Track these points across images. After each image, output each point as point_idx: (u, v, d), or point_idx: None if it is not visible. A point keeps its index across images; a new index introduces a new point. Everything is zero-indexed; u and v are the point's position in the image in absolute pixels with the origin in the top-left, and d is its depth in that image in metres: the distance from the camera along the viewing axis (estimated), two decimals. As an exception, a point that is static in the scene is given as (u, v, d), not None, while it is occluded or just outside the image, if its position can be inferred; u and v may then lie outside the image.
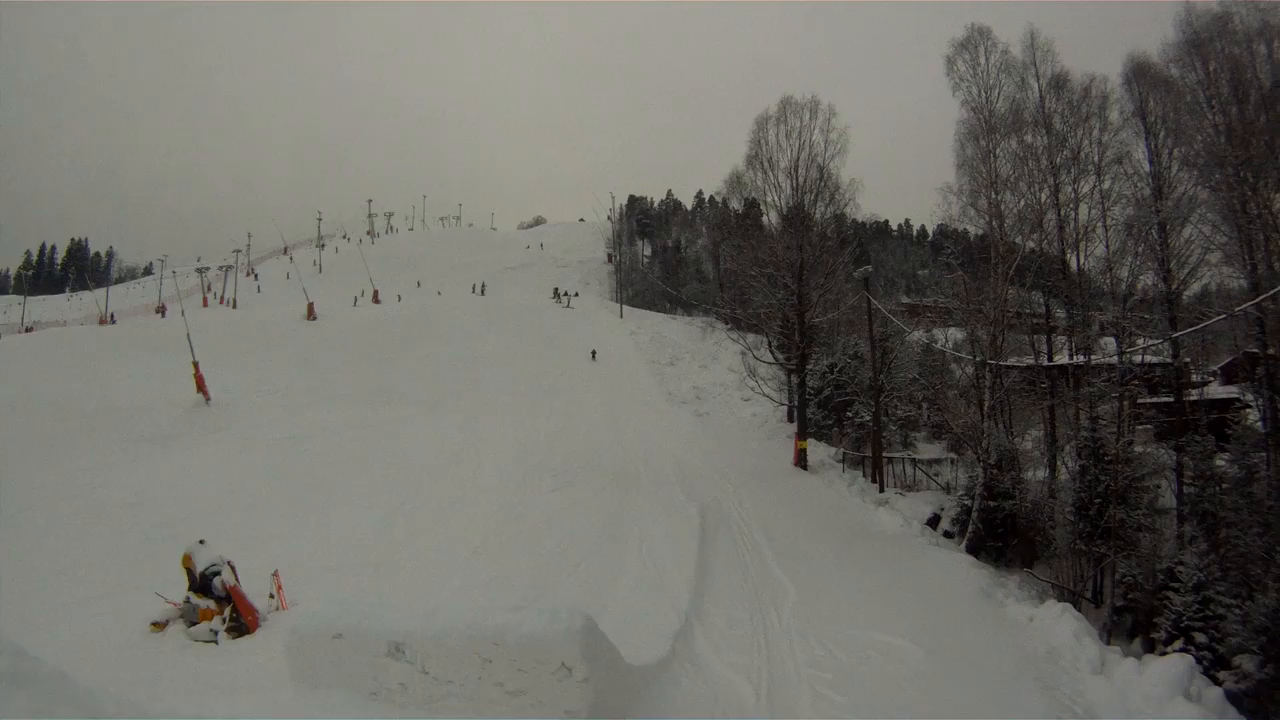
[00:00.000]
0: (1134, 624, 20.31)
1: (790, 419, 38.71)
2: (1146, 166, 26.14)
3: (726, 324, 52.04)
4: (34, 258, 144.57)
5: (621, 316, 68.04)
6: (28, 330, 73.98)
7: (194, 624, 16.26)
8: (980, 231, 30.15)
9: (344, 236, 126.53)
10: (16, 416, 31.47)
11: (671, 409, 43.82)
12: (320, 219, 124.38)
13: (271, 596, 17.50)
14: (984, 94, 28.87)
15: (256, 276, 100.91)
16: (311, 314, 58.96)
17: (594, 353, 48.70)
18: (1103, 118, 27.38)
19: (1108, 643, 18.25)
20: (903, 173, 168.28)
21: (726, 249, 52.37)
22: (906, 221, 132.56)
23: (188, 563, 16.88)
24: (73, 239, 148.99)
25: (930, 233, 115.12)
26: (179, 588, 16.81)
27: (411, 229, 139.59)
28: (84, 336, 54.75)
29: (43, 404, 32.74)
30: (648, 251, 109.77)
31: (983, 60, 29.10)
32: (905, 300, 59.05)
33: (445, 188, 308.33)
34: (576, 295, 75.45)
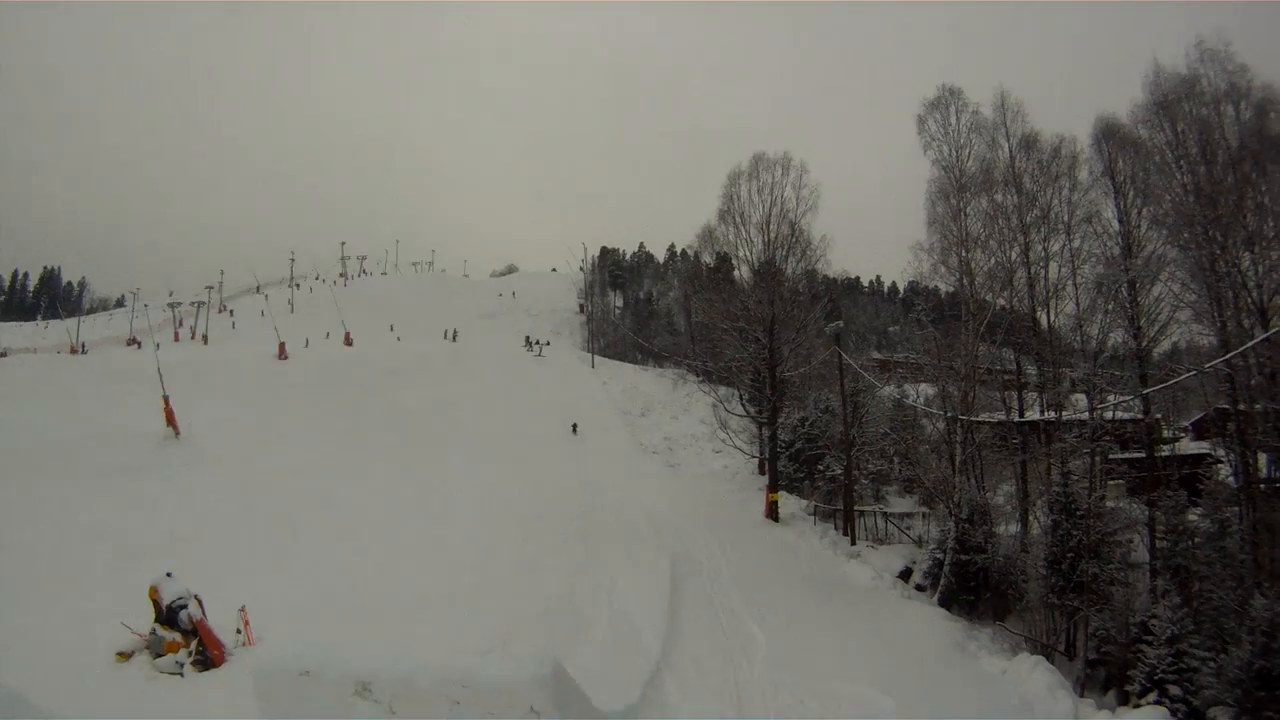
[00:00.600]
0: (1108, 677, 20.29)
1: (762, 471, 38.60)
2: (1116, 225, 26.53)
3: (698, 376, 52.20)
4: (5, 284, 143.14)
5: (593, 367, 67.91)
6: (2, 354, 73.66)
7: (160, 656, 16.11)
8: (951, 288, 30.52)
9: (317, 277, 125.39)
10: None
11: (643, 459, 43.69)
12: (294, 259, 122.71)
13: (238, 631, 17.30)
14: (955, 153, 29.37)
15: (232, 313, 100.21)
16: (283, 353, 58.38)
17: (575, 426, 47.12)
18: (1072, 177, 27.83)
19: (1081, 695, 18.33)
20: (874, 230, 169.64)
21: (698, 302, 52.33)
22: (878, 278, 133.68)
23: (154, 595, 16.73)
24: (45, 267, 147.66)
25: (901, 289, 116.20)
26: (145, 619, 16.60)
27: (384, 273, 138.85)
28: (54, 365, 54.27)
29: (9, 432, 32.33)
30: (619, 303, 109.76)
31: (954, 120, 29.58)
32: (876, 355, 59.18)
33: (418, 234, 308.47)
34: (548, 344, 75.10)
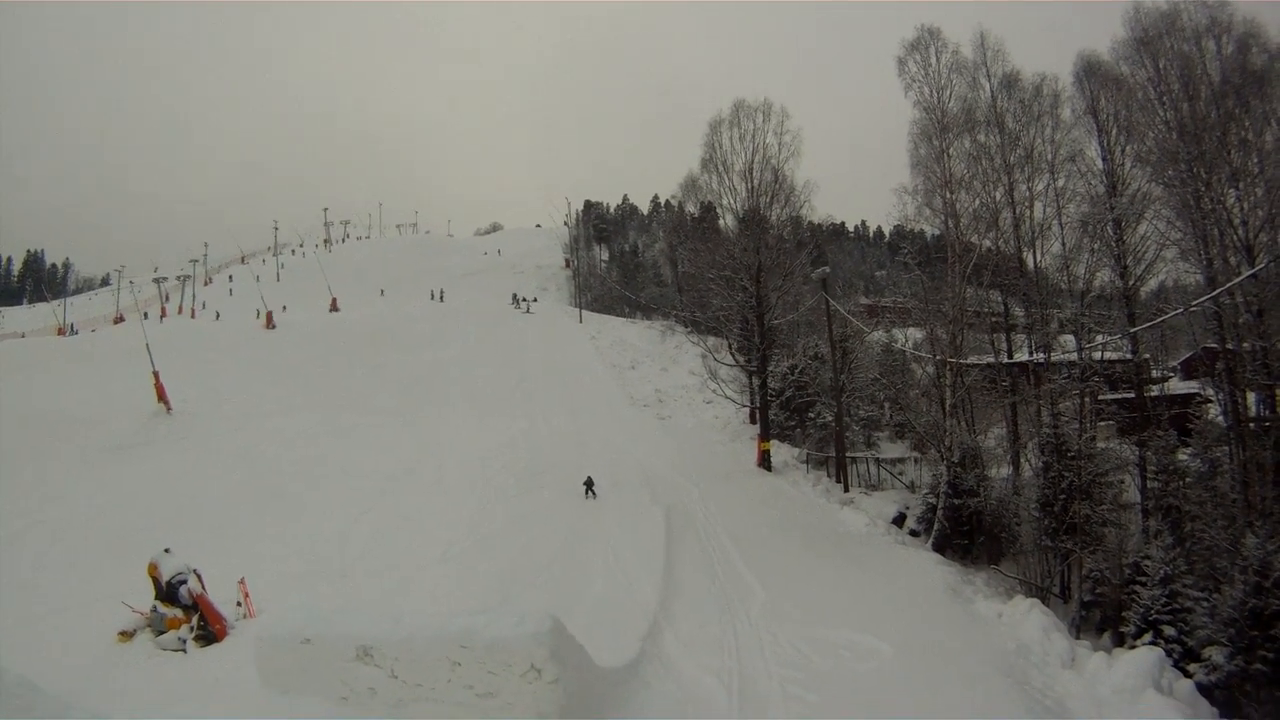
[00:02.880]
0: (1102, 618, 20.42)
1: (753, 420, 38.59)
2: (1100, 164, 26.36)
3: (686, 327, 52.09)
4: None
5: (581, 321, 67.76)
6: None
7: (162, 633, 16.13)
8: (936, 231, 30.35)
9: (300, 245, 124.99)
10: None
11: (634, 412, 43.60)
12: (277, 228, 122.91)
13: (239, 604, 17.32)
14: (936, 94, 29.01)
15: (228, 280, 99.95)
16: (270, 323, 58.61)
17: (589, 482, 41.87)
18: (1055, 116, 27.58)
19: (1077, 637, 18.33)
20: (858, 175, 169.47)
21: (684, 252, 52.28)
22: (863, 223, 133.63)
23: (153, 572, 16.72)
24: (29, 250, 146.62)
25: (887, 234, 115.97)
26: (145, 597, 16.59)
27: (368, 237, 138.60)
28: (42, 347, 54.03)
29: (1, 415, 32.20)
30: (605, 256, 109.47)
31: (934, 61, 29.21)
32: (864, 301, 59.12)
33: (401, 196, 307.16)
34: (535, 301, 75.13)
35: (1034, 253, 28.31)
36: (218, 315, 78.06)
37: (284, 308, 69.54)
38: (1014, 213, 27.93)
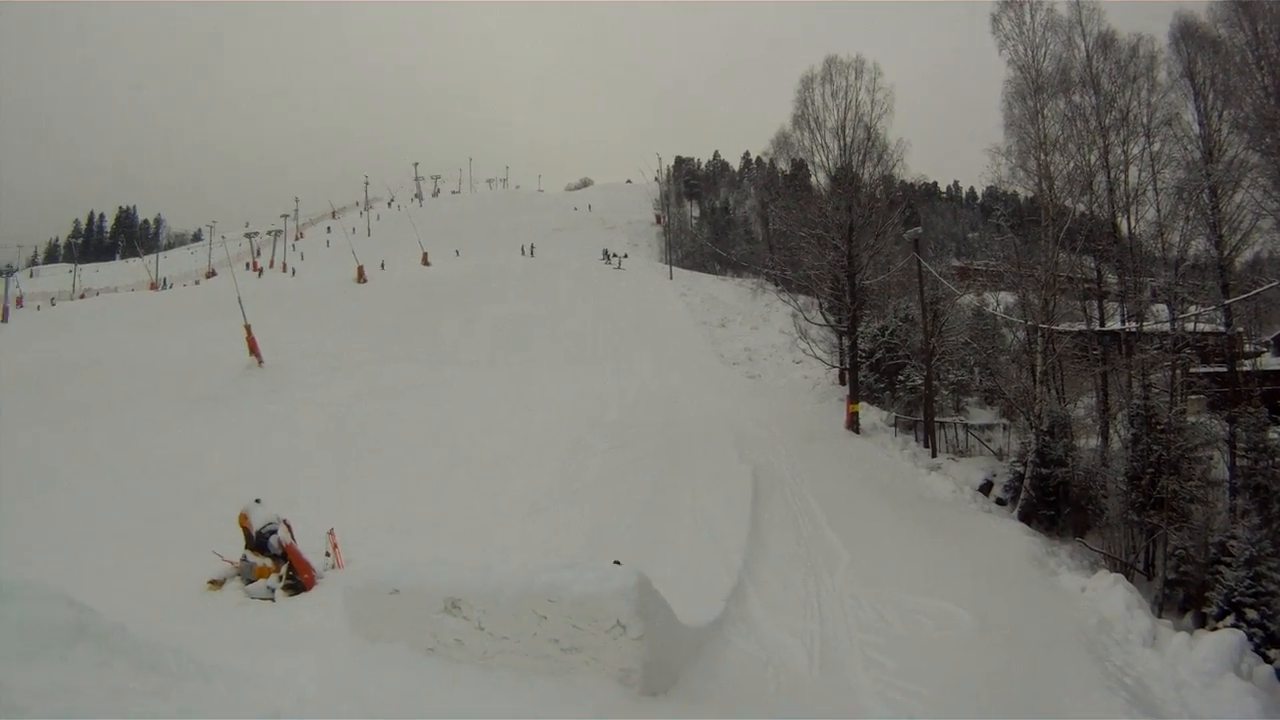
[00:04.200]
0: (1185, 598, 20.38)
1: (842, 381, 38.78)
2: (1196, 129, 25.84)
3: (777, 285, 52.23)
4: (83, 226, 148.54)
5: (671, 278, 68.11)
6: (81, 297, 76.08)
7: (251, 582, 16.94)
8: (1030, 194, 30.05)
9: (391, 200, 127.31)
10: (72, 380, 32.48)
11: (723, 370, 44.10)
12: (367, 182, 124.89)
13: (327, 555, 18.11)
14: (1030, 53, 28.70)
15: (326, 232, 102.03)
16: (361, 277, 59.83)
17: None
18: (1151, 78, 27.06)
19: (1159, 616, 18.45)
20: (951, 133, 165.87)
21: (775, 210, 52.13)
22: (955, 183, 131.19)
23: (244, 522, 17.53)
24: (121, 207, 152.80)
25: (979, 195, 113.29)
26: (235, 546, 17.48)
27: (458, 192, 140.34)
28: (136, 302, 55.99)
29: (97, 367, 33.63)
30: (696, 213, 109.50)
31: (1028, 18, 28.91)
32: (956, 263, 58.26)
33: (491, 151, 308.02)
34: (626, 257, 75.50)
35: (1128, 218, 27.91)
36: (292, 271, 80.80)
37: (382, 265, 71.00)
38: (1109, 177, 27.61)
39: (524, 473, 25.26)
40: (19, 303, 71.21)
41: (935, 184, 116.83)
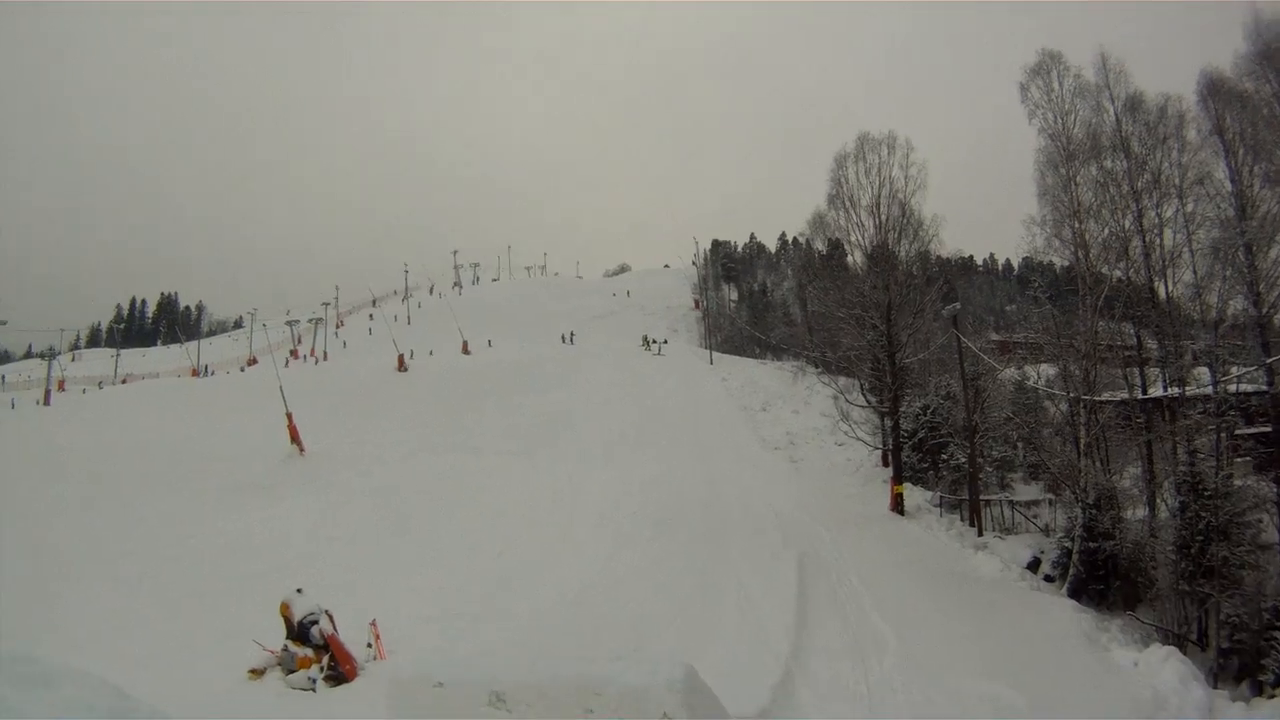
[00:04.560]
0: (1241, 666, 19.80)
1: (885, 463, 38.43)
2: (1228, 186, 25.76)
3: (817, 367, 52.03)
4: (125, 311, 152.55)
5: (711, 363, 68.10)
6: (122, 382, 77.50)
7: (292, 671, 16.66)
8: (1066, 263, 30.04)
9: (432, 288, 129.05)
10: (114, 463, 32.88)
11: (765, 455, 43.74)
12: (407, 271, 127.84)
13: (369, 646, 17.85)
14: (1060, 120, 28.90)
15: (369, 319, 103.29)
16: (402, 365, 60.80)
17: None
18: (1180, 138, 27.09)
19: (1215, 686, 18.02)
20: (984, 206, 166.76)
21: (813, 291, 52.28)
22: (991, 256, 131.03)
23: (285, 611, 17.29)
24: (163, 293, 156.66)
25: (1016, 266, 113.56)
26: (277, 635, 17.24)
27: (498, 280, 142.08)
28: (178, 388, 56.88)
29: (139, 451, 34.09)
30: (734, 296, 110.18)
31: (1056, 85, 29.18)
32: (995, 337, 58.14)
33: (529, 238, 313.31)
34: (665, 342, 75.79)
35: (1165, 282, 27.62)
36: (328, 358, 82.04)
37: (430, 353, 72.50)
38: (1144, 241, 27.44)
39: (567, 562, 25.19)
40: (61, 386, 72.20)
41: (971, 257, 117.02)
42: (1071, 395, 27.39)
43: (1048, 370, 33.53)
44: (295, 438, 36.58)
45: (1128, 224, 27.72)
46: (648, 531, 28.57)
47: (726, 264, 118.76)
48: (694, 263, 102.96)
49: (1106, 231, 28.12)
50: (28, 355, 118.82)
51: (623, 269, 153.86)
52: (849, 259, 41.14)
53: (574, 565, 24.92)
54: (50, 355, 77.99)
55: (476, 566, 24.70)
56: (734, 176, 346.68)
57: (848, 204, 37.06)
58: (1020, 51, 66.72)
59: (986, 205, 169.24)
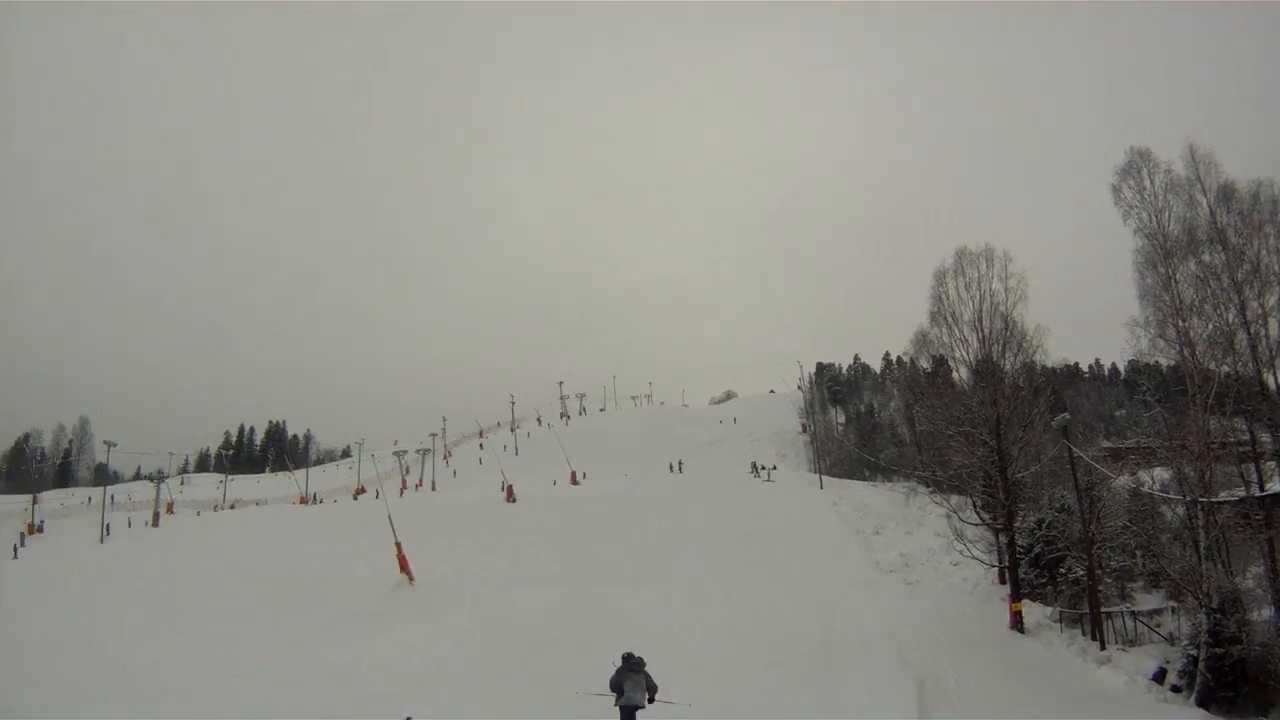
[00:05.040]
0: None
1: (1002, 580, 37.75)
2: (1330, 268, 25.50)
3: (928, 487, 51.75)
4: (233, 438, 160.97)
5: (821, 487, 67.94)
6: (230, 507, 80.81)
7: None
8: (1172, 362, 29.68)
9: (538, 419, 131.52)
10: (222, 590, 33.59)
11: (879, 577, 43.26)
12: (514, 402, 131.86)
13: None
14: (1155, 218, 28.92)
15: (478, 449, 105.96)
16: (510, 496, 61.80)
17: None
18: (1276, 223, 27.05)
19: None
20: (1084, 307, 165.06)
21: (920, 410, 52.07)
22: (1097, 361, 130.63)
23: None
24: (271, 421, 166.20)
25: (1122, 370, 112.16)
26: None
27: (604, 409, 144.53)
28: (286, 515, 58.04)
29: (248, 579, 34.80)
30: (841, 419, 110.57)
31: (1148, 183, 29.28)
32: (1106, 444, 57.08)
33: (633, 369, 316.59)
34: (774, 468, 76.11)
35: (1274, 373, 27.39)
36: (434, 487, 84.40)
37: (553, 481, 74.06)
38: (1249, 333, 27.19)
39: (686, 694, 24.96)
40: (170, 509, 76.66)
41: (1077, 364, 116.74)
42: (1188, 498, 26.83)
43: (1162, 474, 33.01)
44: (404, 567, 37.37)
45: (1231, 317, 27.47)
46: (763, 658, 28.49)
47: (832, 387, 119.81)
48: (799, 387, 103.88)
49: (1211, 327, 27.84)
50: (136, 477, 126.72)
51: (728, 395, 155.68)
52: (954, 375, 41.11)
53: (693, 695, 24.67)
54: (159, 478, 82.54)
55: (592, 698, 24.55)
56: (833, 292, 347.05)
57: (950, 320, 37.52)
58: (1107, 149, 66.70)
59: (1086, 306, 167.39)
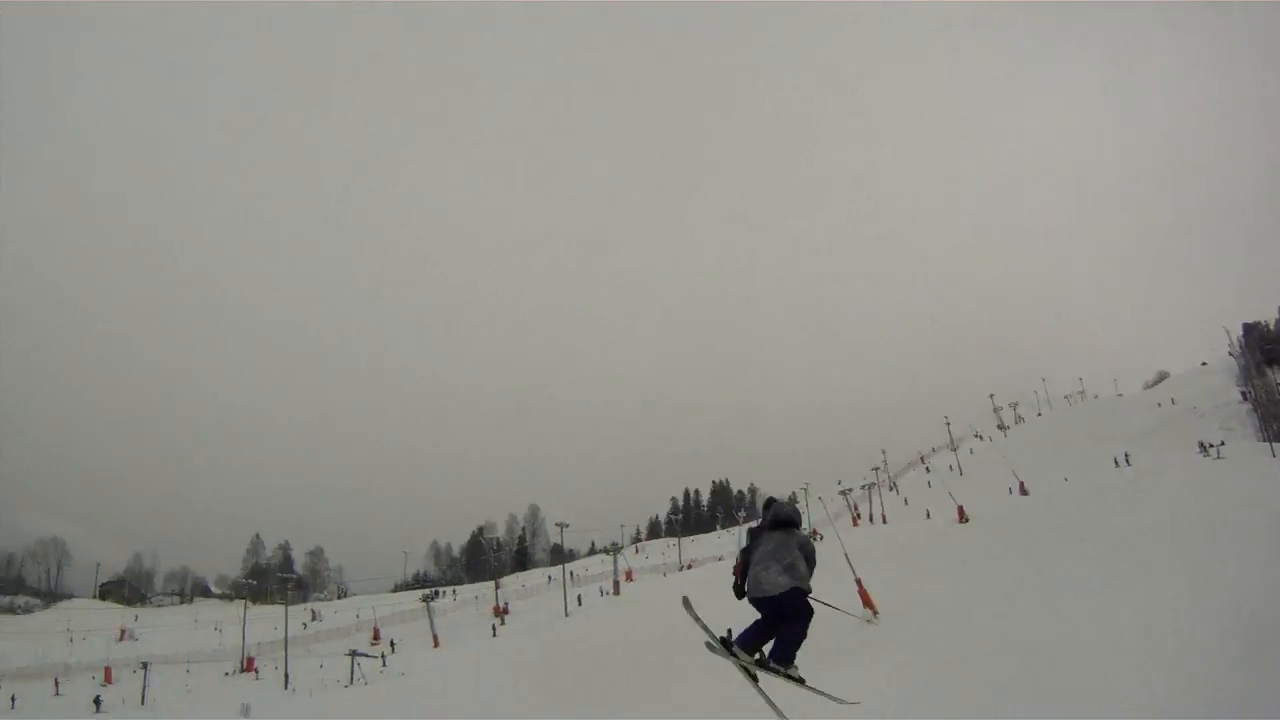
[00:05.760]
0: None
1: None
2: None
3: None
4: (679, 502, 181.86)
5: (1274, 455, 66.09)
6: (688, 567, 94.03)
7: None
8: None
9: (977, 434, 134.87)
10: (685, 641, 37.62)
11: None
12: (949, 422, 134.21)
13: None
14: None
15: (925, 473, 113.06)
16: (962, 516, 61.15)
17: None
18: None
19: None
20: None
21: None
22: None
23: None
24: (714, 480, 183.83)
25: None
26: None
27: (1040, 414, 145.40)
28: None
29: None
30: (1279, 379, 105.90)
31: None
32: None
33: (1062, 367, 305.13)
34: (1223, 444, 75.58)
35: None
36: (884, 519, 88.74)
37: (1023, 488, 75.75)
38: None
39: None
40: (629, 576, 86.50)
41: None
42: None
43: None
44: (867, 601, 37.25)
45: None
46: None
47: (1264, 346, 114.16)
48: (1230, 353, 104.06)
49: None
50: (591, 552, 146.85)
51: (1161, 377, 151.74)
52: None
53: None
54: (615, 549, 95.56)
55: None
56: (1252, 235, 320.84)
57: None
58: None
59: None
